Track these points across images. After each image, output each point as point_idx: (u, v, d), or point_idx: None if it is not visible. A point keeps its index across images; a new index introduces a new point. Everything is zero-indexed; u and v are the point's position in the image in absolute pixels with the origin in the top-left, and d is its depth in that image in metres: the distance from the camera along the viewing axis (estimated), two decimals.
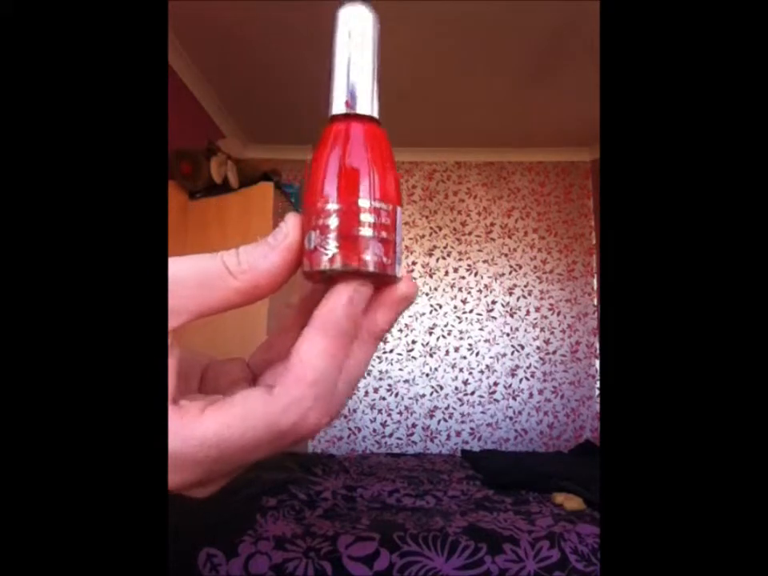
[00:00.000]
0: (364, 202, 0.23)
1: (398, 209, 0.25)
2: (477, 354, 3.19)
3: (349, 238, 0.23)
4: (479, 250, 3.30)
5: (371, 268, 0.23)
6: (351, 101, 0.25)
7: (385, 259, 0.23)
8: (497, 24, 2.15)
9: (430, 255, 3.30)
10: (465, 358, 3.18)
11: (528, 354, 3.18)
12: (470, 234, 3.32)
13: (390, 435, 3.11)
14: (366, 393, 3.15)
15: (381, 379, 3.17)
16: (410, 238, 3.31)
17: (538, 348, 3.18)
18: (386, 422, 3.12)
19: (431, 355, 3.19)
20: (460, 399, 3.14)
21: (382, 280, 0.24)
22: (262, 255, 0.25)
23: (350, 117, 0.26)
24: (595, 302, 3.21)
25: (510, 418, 3.12)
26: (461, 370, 3.17)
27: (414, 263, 3.29)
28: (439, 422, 3.12)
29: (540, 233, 3.31)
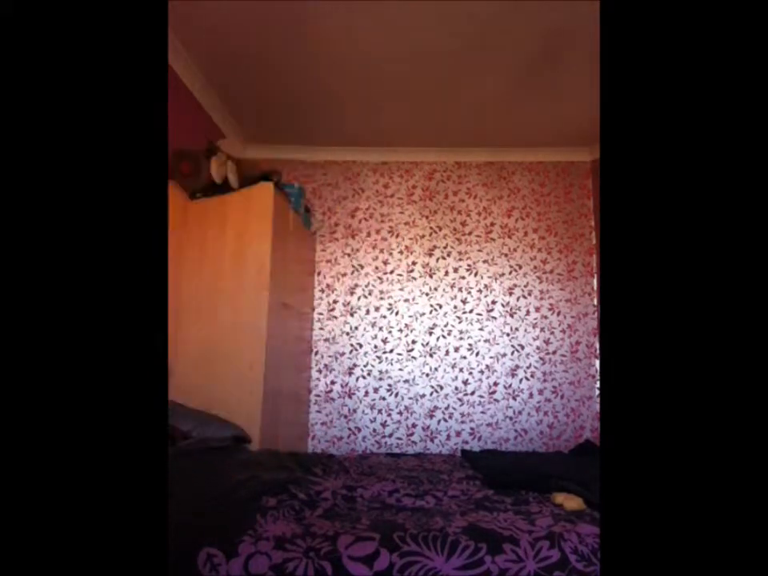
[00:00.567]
0: None
1: None
2: (477, 354, 3.19)
3: None
4: (479, 250, 3.30)
5: None
6: None
7: None
8: (497, 24, 2.15)
9: (430, 255, 3.30)
10: (465, 358, 3.18)
11: (528, 354, 3.18)
12: (470, 233, 3.32)
13: (390, 435, 3.11)
14: (366, 393, 3.15)
15: (381, 379, 3.17)
16: (410, 238, 3.31)
17: (537, 348, 3.18)
18: (385, 422, 3.12)
19: (431, 355, 3.19)
20: (460, 399, 3.14)
21: None
22: None
23: None
24: (595, 301, 3.21)
25: (510, 418, 3.12)
26: (461, 370, 3.17)
27: (414, 263, 3.29)
28: (439, 421, 3.12)
29: (540, 233, 3.31)
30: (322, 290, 3.27)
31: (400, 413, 3.13)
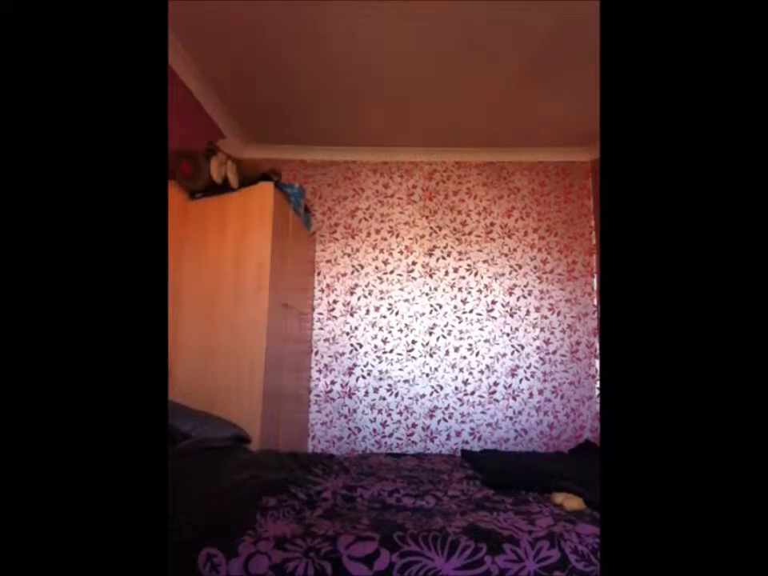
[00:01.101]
0: None
1: None
2: (477, 354, 3.19)
3: None
4: (479, 250, 3.30)
5: None
6: None
7: None
8: (497, 24, 2.15)
9: (430, 255, 3.30)
10: (465, 358, 3.18)
11: (528, 354, 3.18)
12: (470, 233, 3.32)
13: (390, 435, 3.11)
14: (366, 393, 3.15)
15: (381, 379, 3.17)
16: (410, 238, 3.31)
17: (538, 348, 3.18)
18: (385, 422, 3.12)
19: (431, 355, 3.19)
20: (460, 399, 3.14)
21: None
22: None
23: None
24: (595, 301, 3.21)
25: (510, 418, 3.12)
26: (461, 370, 3.17)
27: (414, 263, 3.29)
28: (439, 421, 3.12)
29: (540, 233, 3.31)
30: (322, 290, 3.27)
31: (400, 413, 3.13)
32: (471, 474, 1.66)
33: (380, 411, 3.13)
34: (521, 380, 3.16)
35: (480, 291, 3.25)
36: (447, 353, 3.19)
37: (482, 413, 3.13)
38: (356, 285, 3.27)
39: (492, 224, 3.33)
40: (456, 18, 2.11)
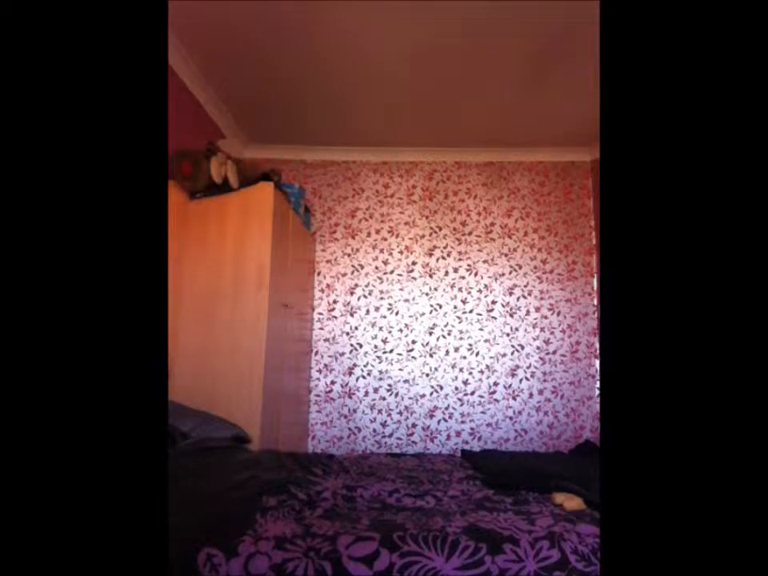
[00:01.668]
0: None
1: None
2: (477, 354, 3.19)
3: None
4: (479, 250, 3.30)
5: None
6: None
7: None
8: (497, 24, 2.15)
9: (430, 255, 3.30)
10: (465, 358, 3.18)
11: (528, 354, 3.18)
12: (470, 233, 3.32)
13: (390, 435, 3.11)
14: (366, 393, 3.15)
15: (381, 379, 3.17)
16: (410, 238, 3.31)
17: (538, 348, 3.18)
18: (385, 422, 3.12)
19: (431, 355, 3.19)
20: (460, 399, 3.14)
21: None
22: None
23: None
24: (595, 302, 3.21)
25: (510, 418, 3.12)
26: (461, 370, 3.17)
27: (414, 263, 3.29)
28: (439, 421, 3.12)
29: (540, 233, 3.31)
30: (322, 290, 3.27)
31: (400, 413, 3.13)
32: (471, 474, 1.66)
33: (380, 411, 3.13)
34: (521, 380, 3.16)
35: (480, 291, 3.25)
36: (447, 353, 3.19)
37: (482, 413, 3.12)
38: (356, 285, 3.27)
39: (492, 224, 3.33)
40: (456, 19, 2.11)
